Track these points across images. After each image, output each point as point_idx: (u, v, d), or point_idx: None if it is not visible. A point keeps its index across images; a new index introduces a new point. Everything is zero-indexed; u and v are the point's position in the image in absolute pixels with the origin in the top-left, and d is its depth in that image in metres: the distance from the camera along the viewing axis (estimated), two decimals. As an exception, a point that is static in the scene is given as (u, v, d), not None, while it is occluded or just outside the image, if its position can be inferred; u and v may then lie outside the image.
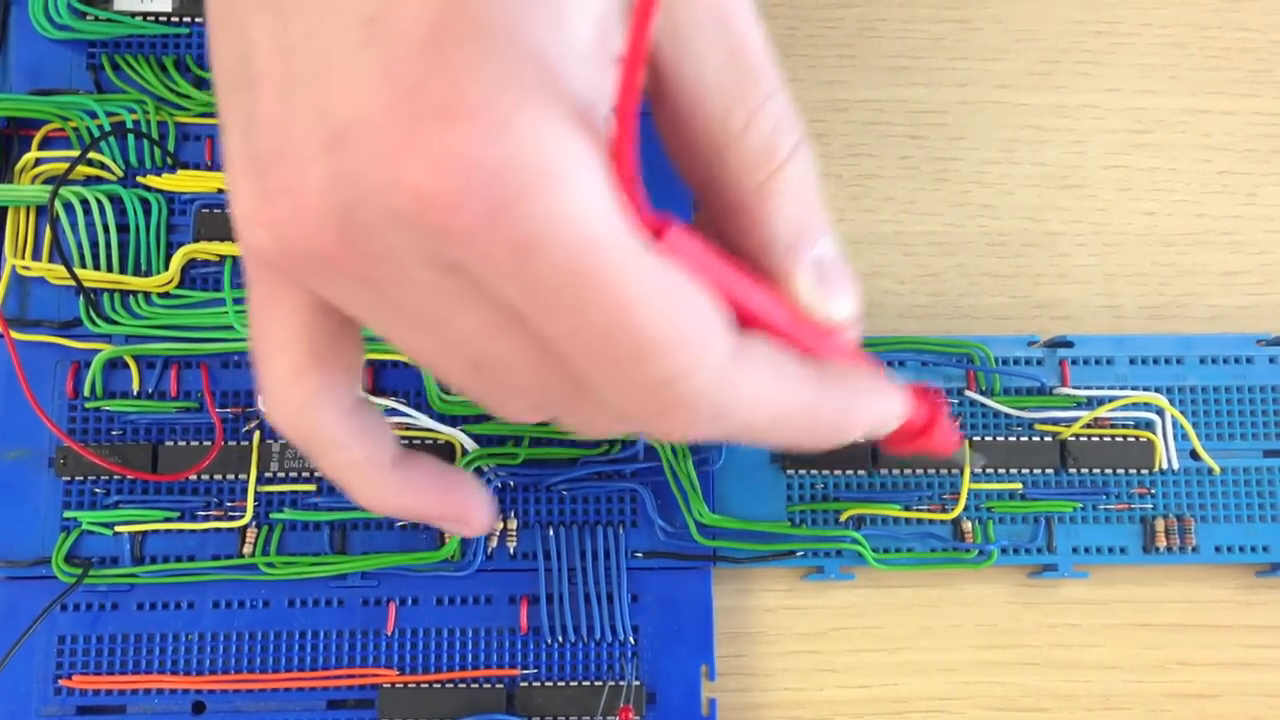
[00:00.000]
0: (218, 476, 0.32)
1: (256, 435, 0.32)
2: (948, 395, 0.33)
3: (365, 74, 0.16)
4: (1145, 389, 0.33)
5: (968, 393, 0.33)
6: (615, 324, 0.17)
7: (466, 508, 0.26)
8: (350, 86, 0.16)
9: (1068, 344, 0.34)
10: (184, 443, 0.32)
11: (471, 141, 0.15)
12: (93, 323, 0.32)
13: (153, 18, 0.33)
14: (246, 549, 0.31)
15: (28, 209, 0.33)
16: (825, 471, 0.33)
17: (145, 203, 0.33)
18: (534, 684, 0.31)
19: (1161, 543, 0.33)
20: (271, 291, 0.20)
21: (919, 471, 0.33)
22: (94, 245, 0.32)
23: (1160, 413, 0.33)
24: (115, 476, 0.32)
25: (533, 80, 0.16)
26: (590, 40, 0.17)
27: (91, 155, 0.33)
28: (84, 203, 0.32)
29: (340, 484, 0.24)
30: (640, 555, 0.32)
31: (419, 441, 0.32)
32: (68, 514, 0.31)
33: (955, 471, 0.33)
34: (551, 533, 0.32)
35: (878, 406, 0.23)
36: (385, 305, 0.19)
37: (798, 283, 0.21)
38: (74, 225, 0.32)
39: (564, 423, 0.21)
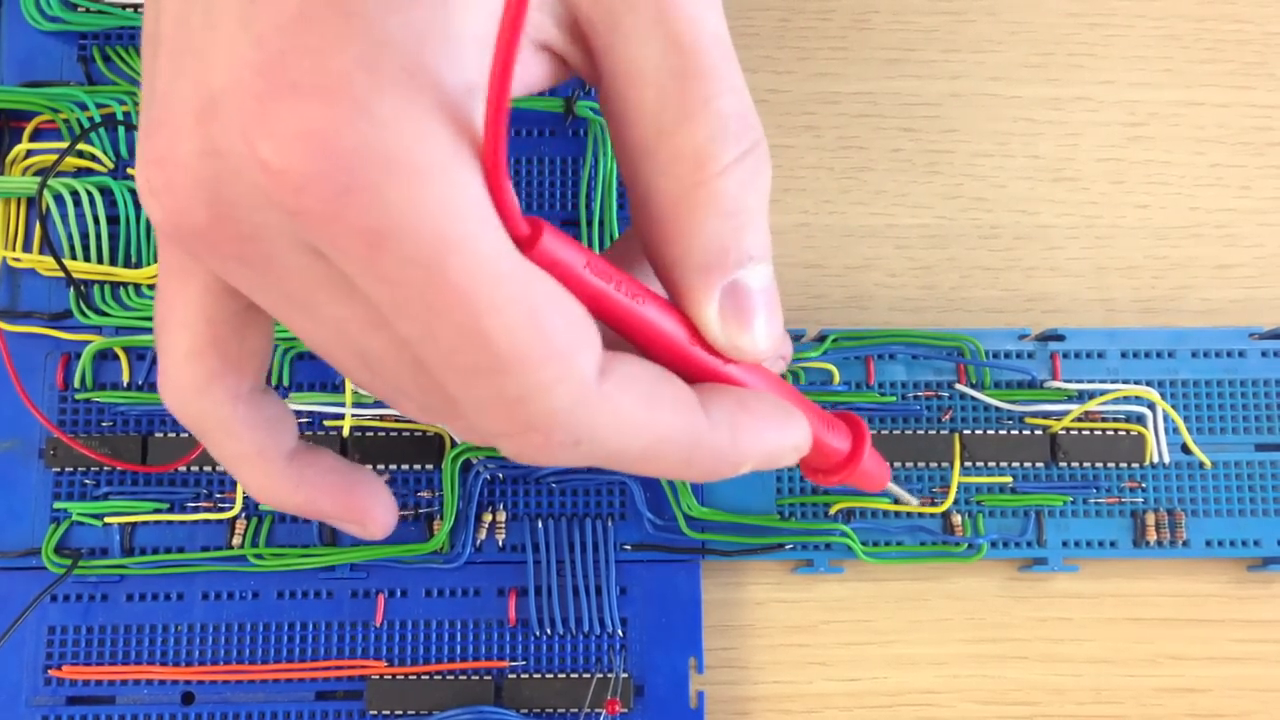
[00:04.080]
0: (207, 468, 0.32)
1: (246, 427, 0.32)
2: (940, 389, 0.33)
3: (240, 44, 0.15)
4: (1137, 383, 0.33)
5: (958, 386, 0.33)
6: (463, 332, 0.16)
7: (364, 508, 0.24)
8: (224, 57, 0.15)
9: (1059, 337, 0.33)
10: (173, 434, 0.32)
11: (325, 121, 0.15)
12: (83, 314, 0.32)
13: (143, 9, 0.33)
14: (235, 540, 0.31)
15: (18, 200, 0.33)
16: (815, 464, 0.33)
17: (135, 194, 0.33)
18: (522, 676, 0.31)
19: (1152, 537, 0.33)
20: (177, 266, 0.20)
21: (908, 465, 0.32)
22: (84, 237, 0.32)
23: (1151, 406, 0.33)
24: (105, 468, 0.32)
25: (403, 63, 0.15)
26: (481, 25, 0.16)
27: (81, 147, 0.33)
28: (74, 194, 0.32)
29: (231, 473, 0.23)
30: (629, 548, 0.32)
31: (407, 433, 0.32)
32: (58, 505, 0.32)
33: (944, 465, 0.32)
34: (540, 525, 0.32)
35: (773, 438, 0.20)
36: (266, 285, 0.18)
37: (699, 307, 0.19)
38: (64, 217, 0.32)
39: (449, 429, 0.20)
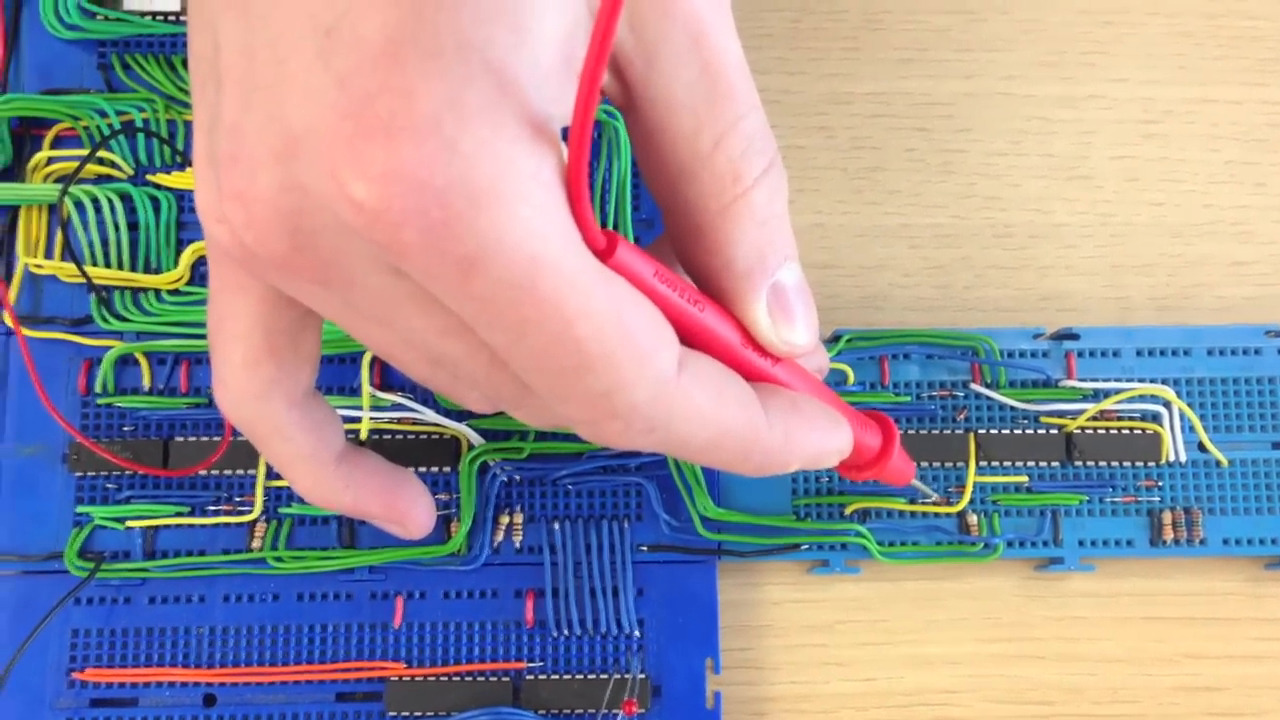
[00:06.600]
0: (227, 472, 0.32)
1: (265, 431, 0.32)
2: (954, 388, 0.33)
3: (319, 84, 0.16)
4: (1152, 381, 0.33)
5: (973, 386, 0.33)
6: (555, 339, 0.17)
7: (405, 509, 0.26)
8: (304, 96, 0.16)
9: (1074, 336, 0.33)
10: (194, 438, 0.32)
11: (416, 160, 0.15)
12: (104, 320, 0.32)
13: (161, 17, 0.34)
14: (256, 543, 0.32)
15: (40, 208, 0.33)
16: (830, 465, 0.33)
17: (155, 201, 0.33)
18: (539, 677, 0.31)
19: (1169, 535, 0.33)
20: (232, 280, 0.20)
21: (924, 464, 0.33)
22: (105, 243, 0.33)
23: (1167, 405, 0.33)
24: (127, 472, 0.32)
25: (485, 98, 0.16)
26: (552, 57, 0.17)
27: (102, 154, 0.33)
28: (95, 201, 0.33)
29: (284, 475, 0.24)
30: (645, 549, 0.32)
31: (424, 436, 0.32)
32: (80, 509, 0.32)
33: (960, 464, 0.33)
34: (557, 527, 0.32)
35: (820, 440, 0.22)
36: (340, 302, 0.19)
37: (751, 309, 0.21)
38: (85, 223, 0.33)
39: (514, 415, 0.21)
